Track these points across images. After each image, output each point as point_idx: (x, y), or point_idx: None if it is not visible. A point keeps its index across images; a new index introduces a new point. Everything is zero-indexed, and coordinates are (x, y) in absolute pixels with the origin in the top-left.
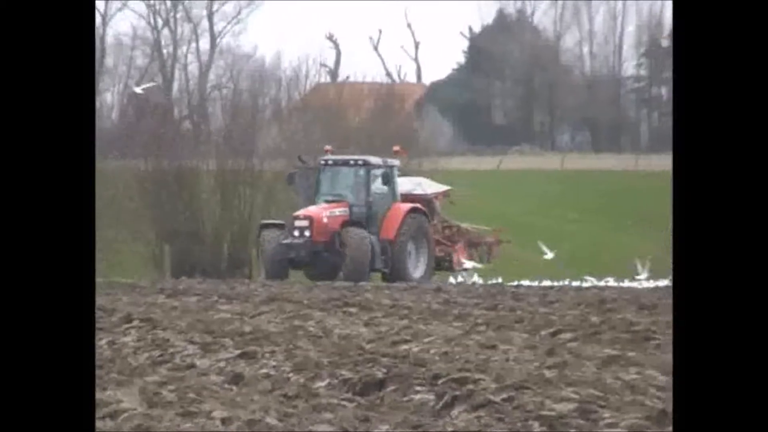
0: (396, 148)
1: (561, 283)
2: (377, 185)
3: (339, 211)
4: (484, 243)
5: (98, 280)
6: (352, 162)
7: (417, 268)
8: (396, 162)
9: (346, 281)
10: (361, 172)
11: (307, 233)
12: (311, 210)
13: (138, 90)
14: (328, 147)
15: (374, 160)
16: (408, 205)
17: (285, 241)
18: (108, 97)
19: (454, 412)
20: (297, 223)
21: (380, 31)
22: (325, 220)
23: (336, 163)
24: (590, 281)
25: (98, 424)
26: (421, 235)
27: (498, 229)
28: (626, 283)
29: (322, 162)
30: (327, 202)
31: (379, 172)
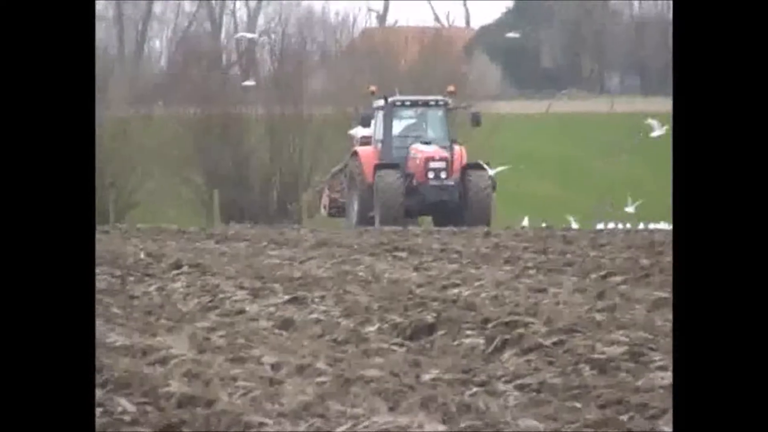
0: (451, 88)
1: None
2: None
3: (446, 152)
4: None
5: (146, 225)
6: (432, 102)
7: None
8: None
9: (469, 226)
10: (440, 112)
11: (443, 175)
12: (439, 150)
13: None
14: (373, 87)
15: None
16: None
17: (435, 183)
18: (157, 44)
19: (504, 356)
20: (432, 164)
21: None
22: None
23: (414, 104)
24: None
25: (148, 369)
26: None
27: None
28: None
29: (398, 102)
30: (422, 143)
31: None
